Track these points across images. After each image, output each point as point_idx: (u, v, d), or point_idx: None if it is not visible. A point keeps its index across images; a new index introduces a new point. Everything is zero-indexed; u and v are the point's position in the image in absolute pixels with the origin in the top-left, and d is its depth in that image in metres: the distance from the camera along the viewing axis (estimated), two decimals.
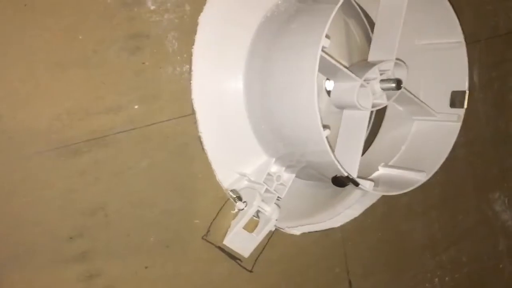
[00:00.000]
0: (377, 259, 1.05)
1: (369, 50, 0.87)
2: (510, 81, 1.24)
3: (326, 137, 0.69)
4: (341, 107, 0.81)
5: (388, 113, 0.98)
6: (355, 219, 0.99)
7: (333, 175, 0.75)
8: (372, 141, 1.00)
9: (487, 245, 1.27)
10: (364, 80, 0.75)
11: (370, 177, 0.88)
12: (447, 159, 0.86)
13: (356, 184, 0.73)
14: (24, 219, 0.64)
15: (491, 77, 1.20)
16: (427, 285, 1.15)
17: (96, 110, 0.68)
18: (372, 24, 0.95)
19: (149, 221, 0.74)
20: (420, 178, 0.82)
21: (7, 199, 0.62)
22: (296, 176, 0.86)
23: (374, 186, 0.79)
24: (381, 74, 0.78)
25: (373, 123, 1.00)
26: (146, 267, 0.74)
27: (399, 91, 0.78)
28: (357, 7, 0.94)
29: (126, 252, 0.72)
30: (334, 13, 0.67)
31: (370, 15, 0.95)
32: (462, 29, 0.85)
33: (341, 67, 0.73)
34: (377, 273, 1.05)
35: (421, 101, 0.86)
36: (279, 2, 0.81)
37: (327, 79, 0.84)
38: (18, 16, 0.61)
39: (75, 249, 0.68)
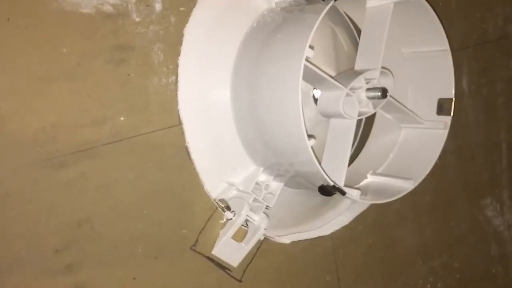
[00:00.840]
0: (369, 267, 1.05)
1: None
2: (498, 87, 1.25)
3: (312, 147, 0.69)
4: (328, 116, 0.81)
5: (377, 120, 0.98)
6: (346, 227, 0.99)
7: (321, 184, 0.76)
8: (362, 148, 1.00)
9: (479, 251, 1.27)
10: (350, 89, 0.76)
11: (358, 185, 0.89)
12: (437, 165, 0.86)
13: (343, 193, 0.74)
14: (10, 233, 0.64)
15: (480, 83, 1.20)
16: None
17: (82, 122, 0.68)
18: (360, 32, 0.95)
19: (137, 233, 0.74)
20: (408, 186, 0.82)
21: None
22: (285, 185, 0.86)
23: (362, 194, 0.79)
24: (367, 83, 0.78)
25: (363, 130, 1.01)
26: (134, 279, 0.74)
27: (385, 99, 0.78)
28: (344, 15, 0.94)
29: (114, 264, 0.72)
30: (317, 23, 0.67)
31: (357, 23, 0.96)
32: (451, 36, 0.86)
33: (326, 76, 0.73)
34: (368, 280, 1.05)
35: (408, 109, 0.86)
36: (265, 12, 0.82)
37: (315, 87, 0.85)
38: (1, 30, 0.61)
39: (61, 261, 0.67)
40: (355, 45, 0.96)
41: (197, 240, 0.79)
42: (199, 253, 0.80)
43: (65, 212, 0.67)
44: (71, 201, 0.68)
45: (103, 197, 0.70)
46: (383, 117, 0.94)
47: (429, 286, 1.16)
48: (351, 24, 0.96)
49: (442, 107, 0.88)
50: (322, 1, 0.75)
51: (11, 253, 0.64)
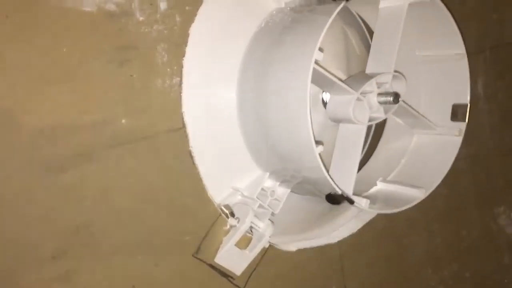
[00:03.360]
0: (377, 276, 1.02)
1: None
2: None
3: (320, 154, 0.67)
4: (337, 121, 0.78)
5: (388, 125, 0.95)
6: (354, 234, 0.97)
7: (329, 191, 0.73)
8: (372, 153, 0.97)
9: (492, 260, 1.24)
10: (361, 93, 0.73)
11: (368, 193, 0.85)
12: (450, 171, 0.83)
13: (351, 202, 0.71)
14: (6, 239, 0.62)
15: (496, 87, 1.17)
16: None
17: (81, 124, 0.65)
18: (372, 34, 0.92)
19: (137, 239, 0.71)
20: (419, 195, 0.79)
21: None
22: (291, 191, 0.83)
23: (372, 202, 0.76)
24: (378, 87, 0.75)
25: (374, 135, 0.97)
26: (133, 286, 0.72)
27: (397, 104, 0.75)
28: (357, 16, 0.91)
29: (112, 271, 0.70)
30: (327, 25, 0.64)
31: (370, 24, 0.93)
32: (467, 37, 0.82)
33: (336, 80, 0.70)
34: None
35: (420, 115, 0.83)
36: (274, 12, 0.79)
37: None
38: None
39: (58, 268, 0.65)
40: (368, 47, 0.93)
41: (199, 247, 0.77)
42: (201, 260, 0.77)
43: (63, 217, 0.65)
44: (70, 206, 0.65)
45: (102, 202, 0.68)
46: (395, 122, 0.91)
47: None
48: (363, 26, 0.92)
49: (456, 112, 0.84)
50: (333, 1, 0.72)
51: (7, 260, 0.62)
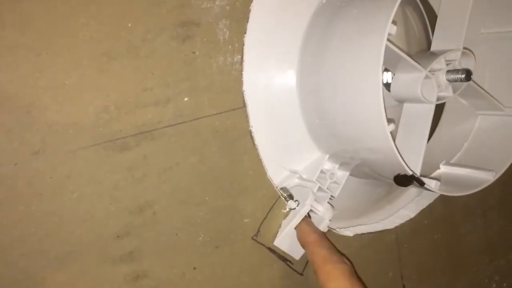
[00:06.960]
0: (433, 263, 0.99)
1: (427, 40, 0.82)
2: None
3: (390, 132, 0.64)
4: (402, 101, 0.75)
5: (448, 107, 0.91)
6: (411, 220, 0.93)
7: (392, 173, 0.70)
8: (430, 137, 0.93)
9: None
10: (429, 71, 0.70)
11: (431, 176, 0.82)
12: None
13: (422, 183, 0.68)
14: (70, 217, 0.61)
15: None
16: None
17: (145, 102, 0.64)
18: (428, 13, 0.89)
19: (198, 220, 0.70)
20: (489, 177, 0.76)
21: (53, 195, 0.59)
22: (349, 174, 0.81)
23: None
24: (447, 65, 0.72)
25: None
26: (194, 268, 0.70)
27: (467, 82, 0.72)
28: None
29: (175, 252, 0.68)
30: None
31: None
32: None
33: (405, 56, 0.67)
34: (432, 277, 0.99)
35: (489, 94, 0.79)
36: None
37: (385, 70, 0.79)
38: (64, 4, 0.57)
39: (122, 248, 0.64)
40: (425, 28, 0.90)
41: (258, 230, 0.75)
42: (260, 243, 0.75)
43: (127, 197, 0.64)
44: (133, 185, 0.64)
45: (165, 182, 0.66)
46: (456, 103, 0.88)
47: (494, 285, 1.09)
48: (421, 5, 0.89)
49: None
50: None
51: (71, 238, 0.61)
